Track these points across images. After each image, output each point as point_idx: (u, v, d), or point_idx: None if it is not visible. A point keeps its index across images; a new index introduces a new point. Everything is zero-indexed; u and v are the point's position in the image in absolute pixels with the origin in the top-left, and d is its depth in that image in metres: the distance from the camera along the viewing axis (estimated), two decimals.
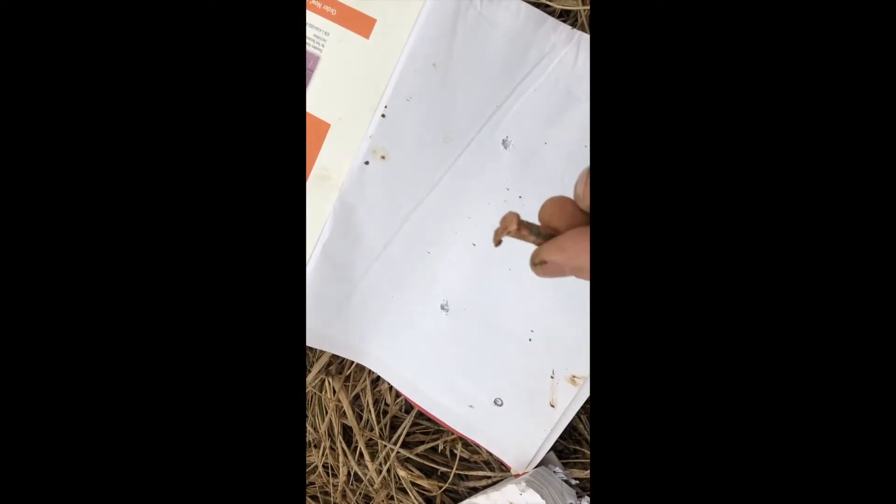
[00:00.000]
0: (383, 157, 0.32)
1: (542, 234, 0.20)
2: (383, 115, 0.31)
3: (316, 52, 0.32)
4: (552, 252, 0.19)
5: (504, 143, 0.32)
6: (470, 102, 0.31)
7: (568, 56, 0.30)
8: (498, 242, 0.20)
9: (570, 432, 0.36)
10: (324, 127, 0.33)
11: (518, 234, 0.20)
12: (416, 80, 0.31)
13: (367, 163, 0.32)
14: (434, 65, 0.31)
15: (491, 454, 0.37)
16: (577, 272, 0.18)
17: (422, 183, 0.33)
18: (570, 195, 0.32)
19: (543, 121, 0.31)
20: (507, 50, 0.30)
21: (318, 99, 0.32)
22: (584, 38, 0.30)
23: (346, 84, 0.32)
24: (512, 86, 0.31)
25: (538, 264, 0.19)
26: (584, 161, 0.31)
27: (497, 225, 0.32)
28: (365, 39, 0.32)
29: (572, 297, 0.32)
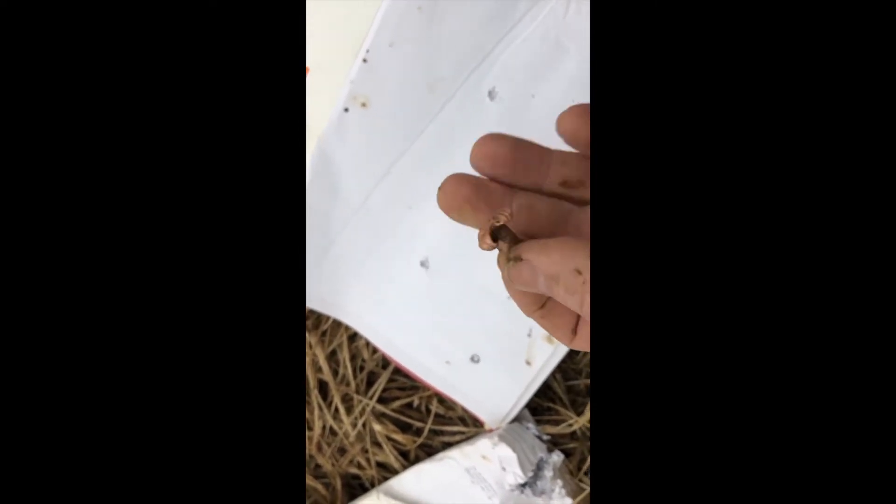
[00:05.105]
0: (364, 105, 0.30)
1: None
2: (365, 60, 0.29)
3: None
4: (533, 250, 0.15)
5: (490, 94, 0.30)
6: (456, 50, 0.29)
7: (559, 5, 0.29)
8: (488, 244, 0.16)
9: (544, 390, 0.36)
10: None
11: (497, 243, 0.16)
12: (400, 25, 0.29)
13: (346, 110, 0.30)
14: (419, 8, 0.28)
15: (466, 410, 0.36)
16: (550, 282, 0.15)
17: (404, 133, 0.31)
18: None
19: (531, 72, 0.29)
20: None
21: None
22: None
23: (327, 26, 0.30)
24: (500, 34, 0.29)
25: (512, 259, 0.16)
26: None
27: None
28: None
29: None
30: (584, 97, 0.30)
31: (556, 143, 0.31)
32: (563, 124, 0.16)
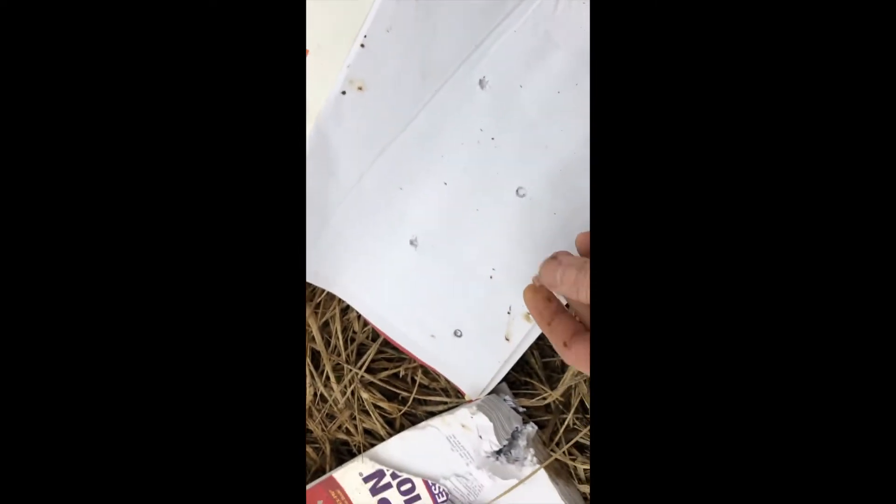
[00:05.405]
0: (360, 88, 0.31)
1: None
2: (362, 45, 0.30)
3: None
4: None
5: (481, 83, 0.31)
6: (450, 39, 0.30)
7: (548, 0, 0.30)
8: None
9: (521, 365, 0.38)
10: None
11: None
12: (397, 11, 0.30)
13: (343, 93, 0.31)
14: None
15: (448, 382, 0.38)
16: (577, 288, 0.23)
17: (397, 117, 0.32)
18: (545, 142, 0.32)
19: (521, 64, 0.30)
20: None
21: None
22: None
23: (327, 10, 0.31)
24: (492, 25, 0.30)
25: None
26: (558, 107, 0.31)
27: (471, 166, 0.32)
28: None
29: (533, 238, 0.33)
30: (571, 88, 0.31)
31: (542, 135, 0.32)
32: (577, 241, 0.26)
